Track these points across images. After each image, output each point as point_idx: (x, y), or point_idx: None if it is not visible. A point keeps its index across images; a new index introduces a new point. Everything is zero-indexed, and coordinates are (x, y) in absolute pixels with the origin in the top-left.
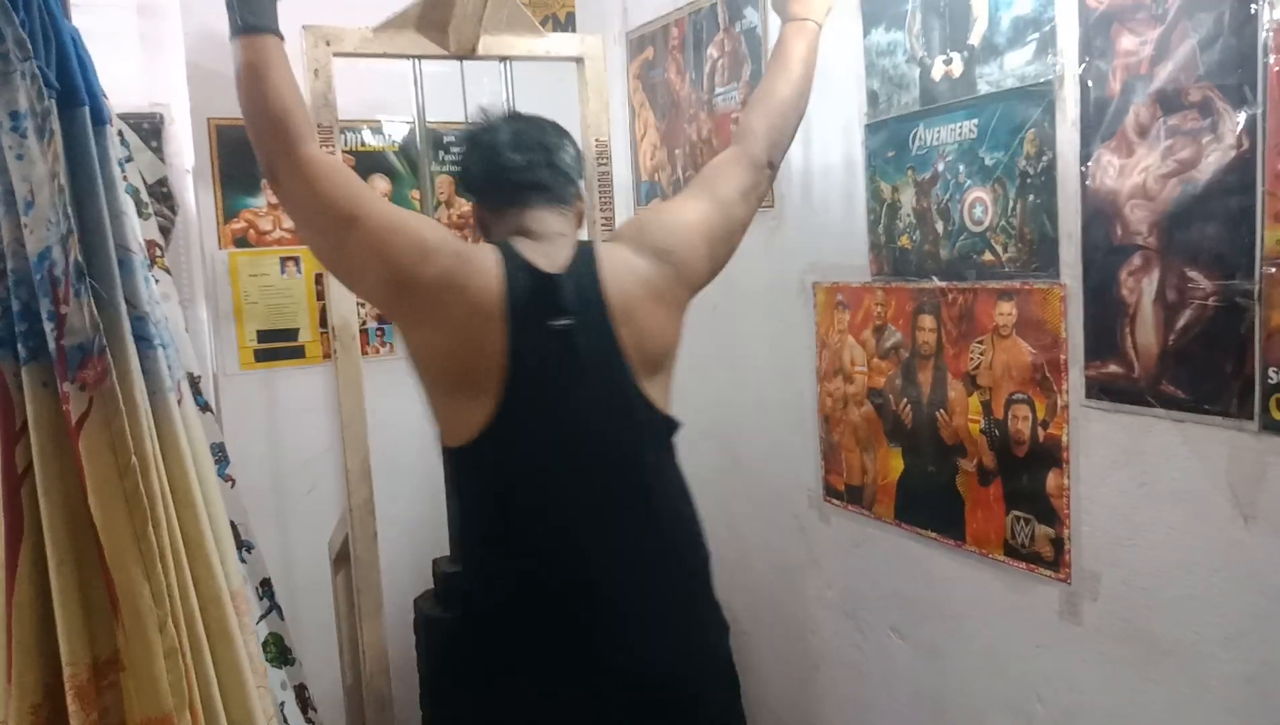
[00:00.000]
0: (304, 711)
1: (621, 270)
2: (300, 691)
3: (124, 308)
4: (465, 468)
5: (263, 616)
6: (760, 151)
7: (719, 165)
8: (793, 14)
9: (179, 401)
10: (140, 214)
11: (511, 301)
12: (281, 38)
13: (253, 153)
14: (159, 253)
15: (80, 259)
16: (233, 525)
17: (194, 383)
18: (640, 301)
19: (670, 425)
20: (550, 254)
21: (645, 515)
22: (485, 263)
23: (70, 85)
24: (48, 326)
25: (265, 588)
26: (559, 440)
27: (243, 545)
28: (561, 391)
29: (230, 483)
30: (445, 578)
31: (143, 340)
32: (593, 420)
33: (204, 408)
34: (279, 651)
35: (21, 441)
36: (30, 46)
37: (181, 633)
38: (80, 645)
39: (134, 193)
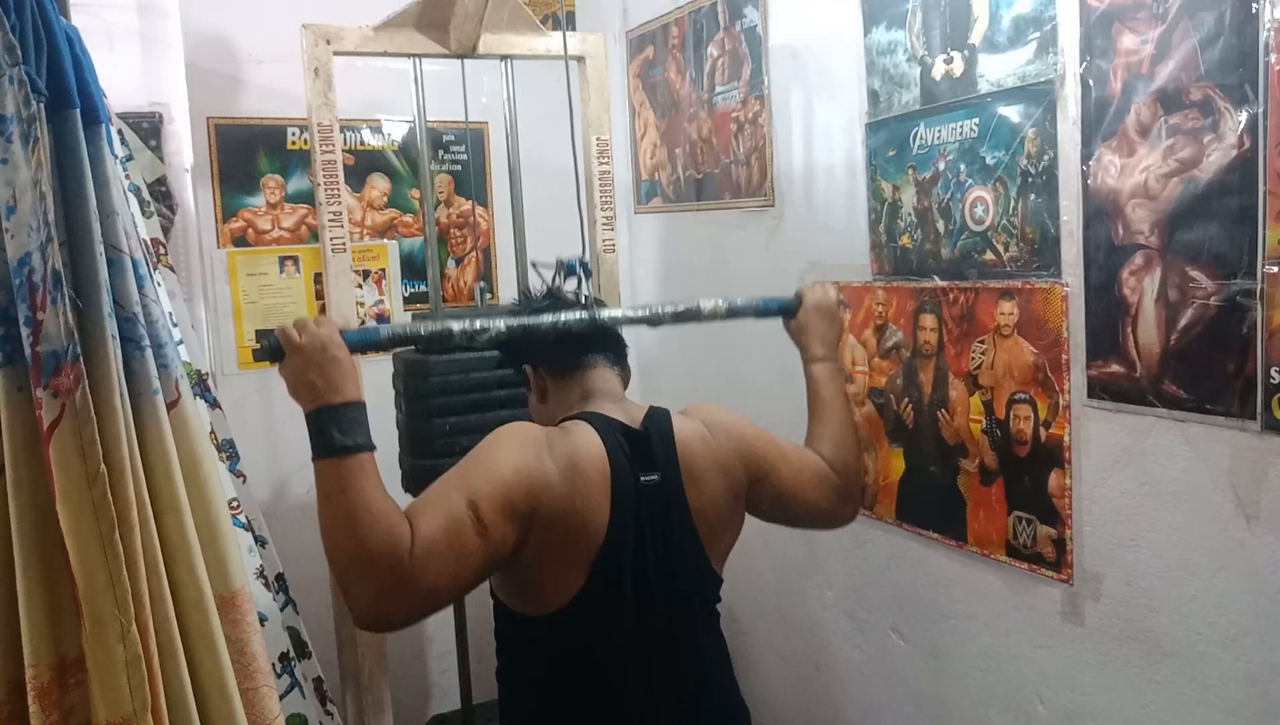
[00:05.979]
0: (322, 704)
1: (690, 433)
2: (318, 685)
3: (108, 309)
4: (552, 633)
5: (280, 609)
6: (828, 465)
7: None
8: (814, 355)
9: (174, 402)
10: (144, 213)
11: (614, 466)
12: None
13: (250, 152)
14: (162, 251)
15: (59, 266)
16: (248, 520)
17: (202, 380)
18: (707, 468)
19: (719, 584)
20: (629, 412)
21: (699, 679)
22: (587, 439)
23: (61, 87)
24: (24, 332)
25: (280, 582)
26: (640, 598)
27: (257, 540)
28: (642, 548)
29: (241, 478)
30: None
31: (129, 341)
32: (665, 577)
33: (213, 404)
34: (296, 645)
35: None
36: (20, 52)
37: (150, 639)
38: (44, 646)
39: (135, 191)
